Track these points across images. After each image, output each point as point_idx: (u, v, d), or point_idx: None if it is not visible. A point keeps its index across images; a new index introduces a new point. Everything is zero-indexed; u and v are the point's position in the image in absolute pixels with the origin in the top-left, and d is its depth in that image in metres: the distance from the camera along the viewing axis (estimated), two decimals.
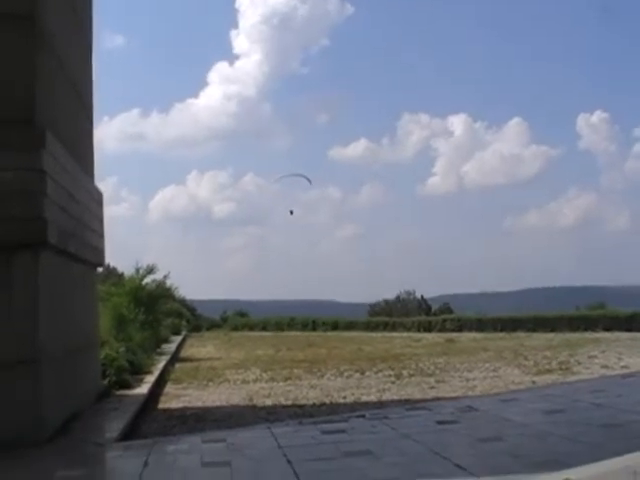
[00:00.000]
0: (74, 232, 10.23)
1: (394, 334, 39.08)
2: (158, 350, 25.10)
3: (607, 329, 32.10)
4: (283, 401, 13.03)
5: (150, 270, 28.81)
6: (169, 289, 33.66)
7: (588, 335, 29.98)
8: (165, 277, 30.63)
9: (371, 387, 14.54)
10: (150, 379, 15.57)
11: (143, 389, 13.90)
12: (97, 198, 12.61)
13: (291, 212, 44.75)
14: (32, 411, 8.37)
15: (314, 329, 47.94)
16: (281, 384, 15.78)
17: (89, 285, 12.54)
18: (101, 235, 12.81)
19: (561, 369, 16.44)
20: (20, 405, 8.30)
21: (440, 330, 39.14)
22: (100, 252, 12.71)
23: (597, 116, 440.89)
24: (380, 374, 16.98)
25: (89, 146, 12.95)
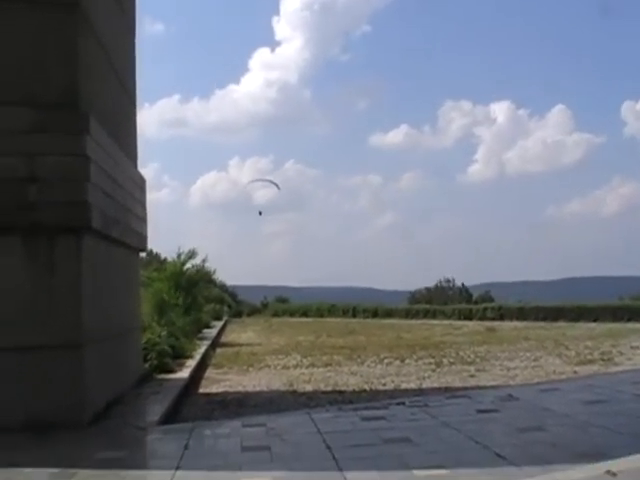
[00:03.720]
0: (117, 217, 10.32)
1: (434, 322, 38.96)
2: (199, 335, 25.26)
3: None
4: (323, 387, 13.05)
5: (191, 255, 29.03)
6: (208, 273, 33.87)
7: (631, 325, 29.57)
8: (204, 261, 30.81)
9: (411, 374, 14.51)
10: (191, 363, 15.67)
11: (184, 373, 14.00)
12: (140, 183, 12.69)
13: (260, 213, 46.14)
14: (75, 394, 8.48)
15: (354, 316, 47.98)
16: (321, 370, 15.81)
17: (132, 270, 12.65)
18: (144, 220, 12.90)
19: (603, 359, 16.24)
20: (63, 388, 8.42)
21: (481, 318, 38.88)
22: (143, 237, 12.80)
23: None
24: (420, 362, 16.93)
25: (132, 132, 13.04)
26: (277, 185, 45.49)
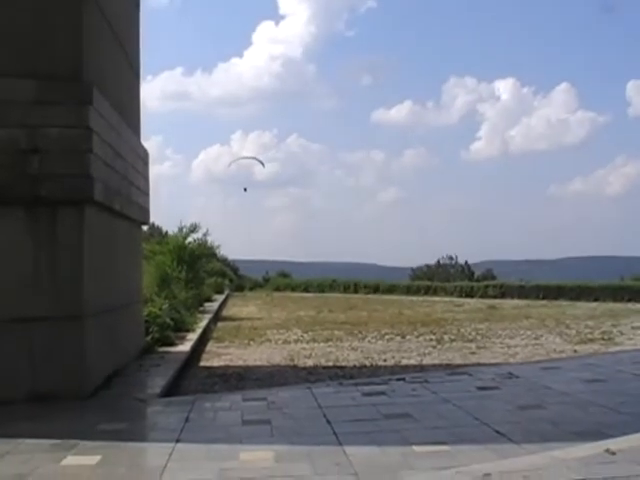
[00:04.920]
0: (120, 190, 10.30)
1: (435, 299, 38.95)
2: (201, 308, 25.30)
3: None
4: (324, 362, 13.09)
5: (193, 229, 28.98)
6: (211, 248, 33.85)
7: (632, 306, 29.56)
8: (205, 235, 30.75)
9: (412, 351, 14.54)
10: (192, 337, 15.73)
11: (185, 347, 14.05)
12: (143, 156, 12.66)
13: (245, 189, 47.31)
14: (76, 366, 8.52)
15: (355, 291, 48.01)
16: (322, 345, 15.85)
17: (134, 243, 12.65)
18: (146, 193, 12.88)
19: (603, 339, 16.26)
20: (65, 359, 8.45)
21: (482, 296, 38.83)
22: (145, 210, 12.79)
23: None
24: (421, 338, 16.97)
25: (136, 104, 12.99)
26: (262, 162, 46.05)
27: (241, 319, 24.46)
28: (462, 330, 18.82)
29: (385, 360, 13.25)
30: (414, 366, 12.38)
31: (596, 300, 32.99)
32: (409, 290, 45.74)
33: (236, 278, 59.43)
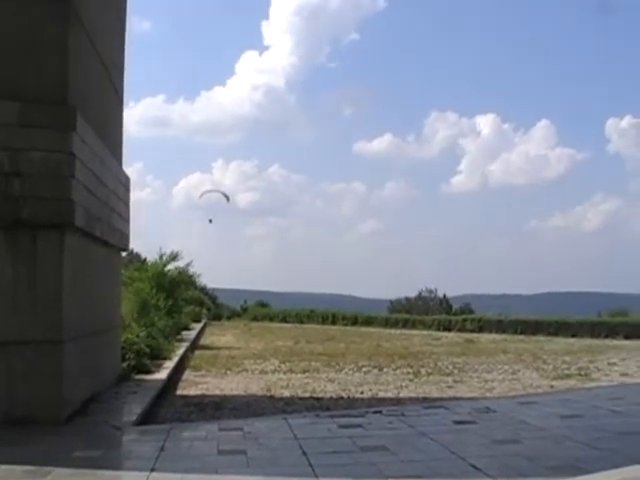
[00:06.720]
0: (100, 215, 10.29)
1: (413, 332, 38.96)
2: (178, 337, 25.17)
3: (628, 337, 31.65)
4: (301, 393, 13.04)
5: (174, 257, 28.98)
6: (191, 277, 33.83)
7: (609, 342, 29.68)
8: (188, 265, 30.79)
9: (389, 383, 14.52)
10: (169, 365, 15.65)
11: (162, 374, 13.97)
12: (124, 182, 12.66)
13: (210, 221, 48.25)
14: (52, 390, 8.46)
15: (333, 323, 48.01)
16: (299, 376, 15.80)
17: (113, 269, 12.62)
18: (127, 220, 12.87)
19: (580, 375, 16.29)
20: (41, 384, 8.40)
21: (460, 330, 38.87)
22: (125, 236, 12.78)
23: (627, 121, 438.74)
24: (398, 371, 16.95)
25: (118, 130, 13.01)
26: (227, 197, 46.99)
27: (218, 348, 24.38)
28: (439, 364, 18.81)
29: (362, 392, 13.22)
30: (391, 399, 12.36)
31: (574, 336, 33.07)
32: (387, 322, 45.78)
33: (214, 307, 59.28)
